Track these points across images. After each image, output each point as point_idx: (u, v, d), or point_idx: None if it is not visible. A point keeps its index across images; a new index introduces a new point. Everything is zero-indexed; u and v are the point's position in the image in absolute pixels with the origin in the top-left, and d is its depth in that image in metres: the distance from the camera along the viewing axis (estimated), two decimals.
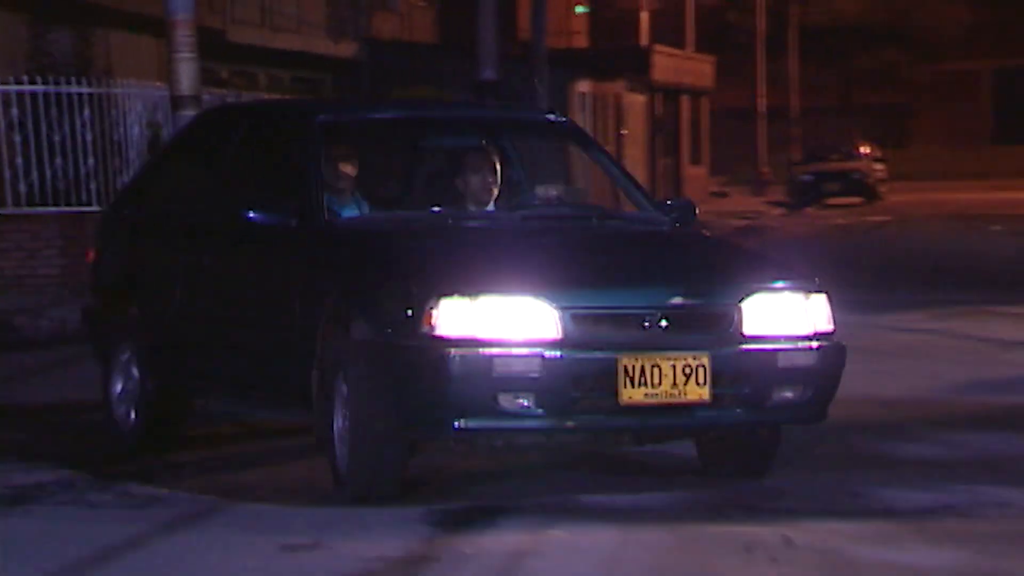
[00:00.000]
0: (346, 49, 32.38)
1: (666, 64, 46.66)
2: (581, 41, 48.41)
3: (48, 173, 17.46)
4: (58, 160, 17.54)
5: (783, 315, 7.20)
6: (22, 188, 17.30)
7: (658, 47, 46.92)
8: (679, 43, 50.40)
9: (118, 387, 8.76)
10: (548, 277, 7.03)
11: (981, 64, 61.44)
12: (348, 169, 8.17)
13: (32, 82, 17.73)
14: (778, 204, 45.16)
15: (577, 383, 6.85)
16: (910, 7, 58.98)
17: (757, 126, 51.81)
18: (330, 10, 32.18)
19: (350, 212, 8.05)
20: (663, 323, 6.98)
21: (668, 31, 51.11)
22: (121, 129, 18.15)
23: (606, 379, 6.87)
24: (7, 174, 17.30)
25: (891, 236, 29.96)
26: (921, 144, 61.93)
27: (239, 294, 8.20)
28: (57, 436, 9.51)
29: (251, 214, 7.69)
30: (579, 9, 48.81)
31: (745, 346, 7.08)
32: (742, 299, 7.11)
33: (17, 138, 17.35)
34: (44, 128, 17.45)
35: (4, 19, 20.89)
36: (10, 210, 17.26)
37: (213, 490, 7.71)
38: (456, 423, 6.84)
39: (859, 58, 59.60)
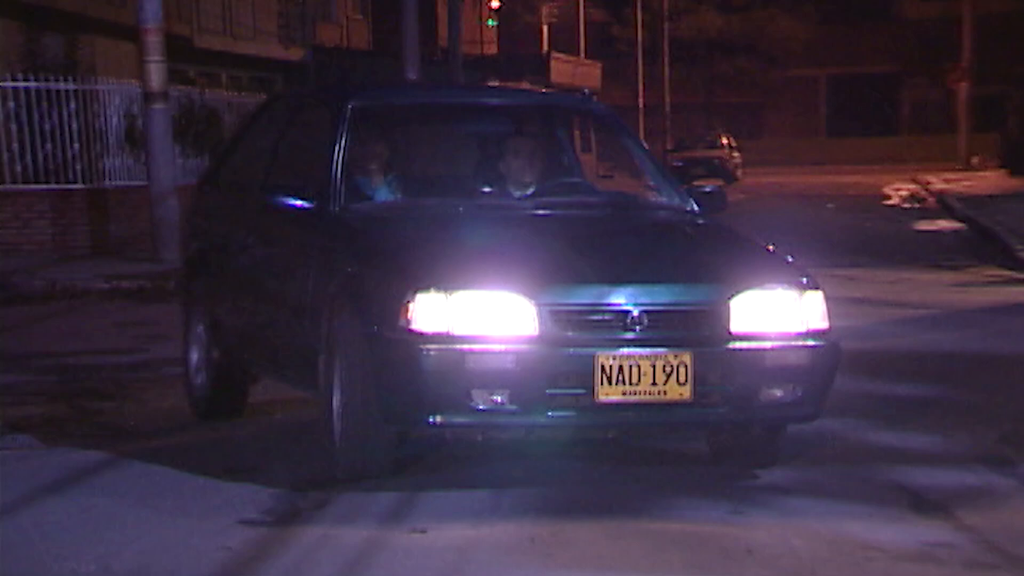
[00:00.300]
0: (295, 54, 32.16)
1: (561, 68, 46.67)
2: (491, 48, 48.36)
3: (40, 156, 17.16)
4: (48, 145, 17.24)
5: (774, 313, 6.00)
6: (18, 169, 17.01)
7: (555, 54, 46.96)
8: (572, 51, 50.46)
9: (193, 354, 7.77)
10: (528, 272, 5.86)
11: (818, 71, 61.78)
12: (382, 153, 7.04)
13: (26, 80, 17.42)
14: None
15: (552, 380, 5.70)
16: (761, 24, 59.23)
17: (637, 120, 51.89)
18: (281, 21, 31.99)
19: (383, 197, 6.94)
20: (644, 321, 5.80)
21: (563, 41, 51.15)
22: (102, 119, 17.89)
23: (582, 377, 5.72)
24: (5, 157, 16.99)
25: (746, 211, 30.07)
26: (770, 136, 62.24)
27: (269, 274, 7.11)
28: (43, 374, 9.34)
29: (276, 197, 6.73)
30: (490, 22, 48.74)
31: (731, 344, 5.89)
32: (731, 297, 5.92)
33: (13, 127, 17.04)
34: (36, 118, 17.15)
35: (3, 26, 20.54)
36: (8, 187, 16.94)
37: (190, 436, 7.50)
38: (431, 418, 5.75)
39: (719, 65, 59.82)
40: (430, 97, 7.94)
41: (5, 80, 17.29)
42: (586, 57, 51.73)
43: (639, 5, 51.61)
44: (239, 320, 7.45)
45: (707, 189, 7.22)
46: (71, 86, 17.63)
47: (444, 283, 5.76)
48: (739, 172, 46.94)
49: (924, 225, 24.14)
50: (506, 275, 5.83)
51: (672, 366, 5.78)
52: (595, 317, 5.82)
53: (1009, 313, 12.34)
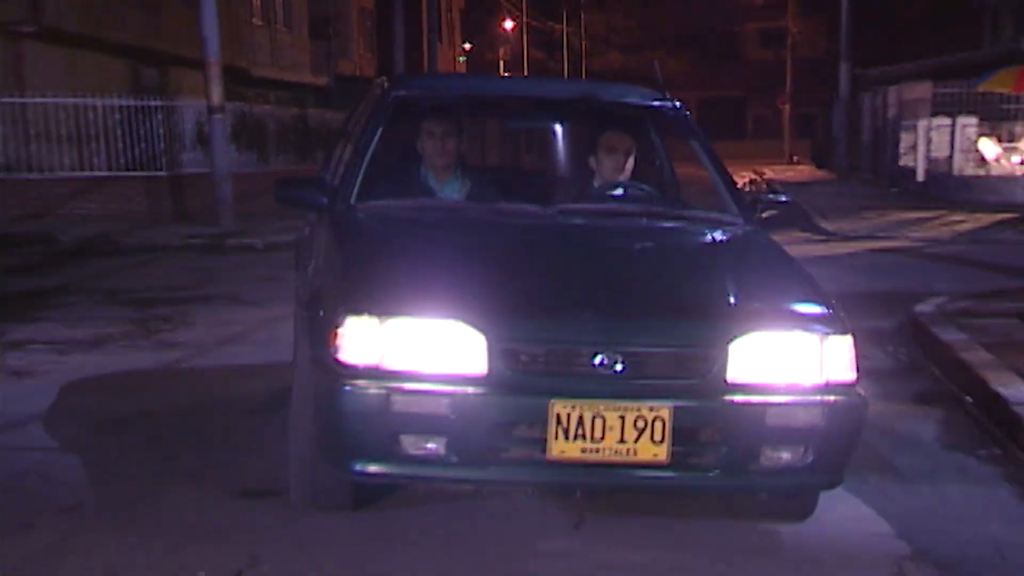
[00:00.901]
0: (322, 80, 31.87)
1: None
2: None
3: (136, 152, 16.96)
4: (143, 144, 17.03)
5: (785, 360, 3.54)
6: (121, 161, 16.91)
7: None
8: None
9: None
10: (484, 299, 3.48)
11: (691, 95, 61.48)
12: (450, 146, 4.68)
13: (128, 98, 17.22)
14: None
15: (497, 430, 3.41)
16: (650, 62, 59.03)
17: None
18: (313, 57, 31.77)
19: (450, 190, 4.65)
20: (617, 365, 3.43)
21: (513, 72, 50.73)
22: (181, 126, 17.72)
23: (533, 428, 3.42)
24: (113, 153, 16.89)
25: None
26: None
27: (307, 274, 4.51)
28: (126, 305, 9.16)
29: (294, 192, 4.34)
30: (461, 59, 48.26)
31: (726, 397, 3.48)
32: (731, 339, 3.49)
33: (118, 131, 16.85)
34: (135, 126, 16.94)
35: (116, 63, 20.43)
36: (114, 174, 16.75)
37: (223, 350, 7.29)
38: (355, 465, 3.48)
39: None
40: (496, 88, 5.26)
41: (113, 99, 17.10)
42: None
43: (565, 47, 51.30)
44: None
45: (781, 199, 4.74)
46: (159, 102, 17.46)
47: (379, 307, 3.43)
48: None
49: None
50: (456, 301, 3.47)
51: (646, 420, 3.43)
52: (558, 356, 3.44)
53: (811, 263, 12.30)
